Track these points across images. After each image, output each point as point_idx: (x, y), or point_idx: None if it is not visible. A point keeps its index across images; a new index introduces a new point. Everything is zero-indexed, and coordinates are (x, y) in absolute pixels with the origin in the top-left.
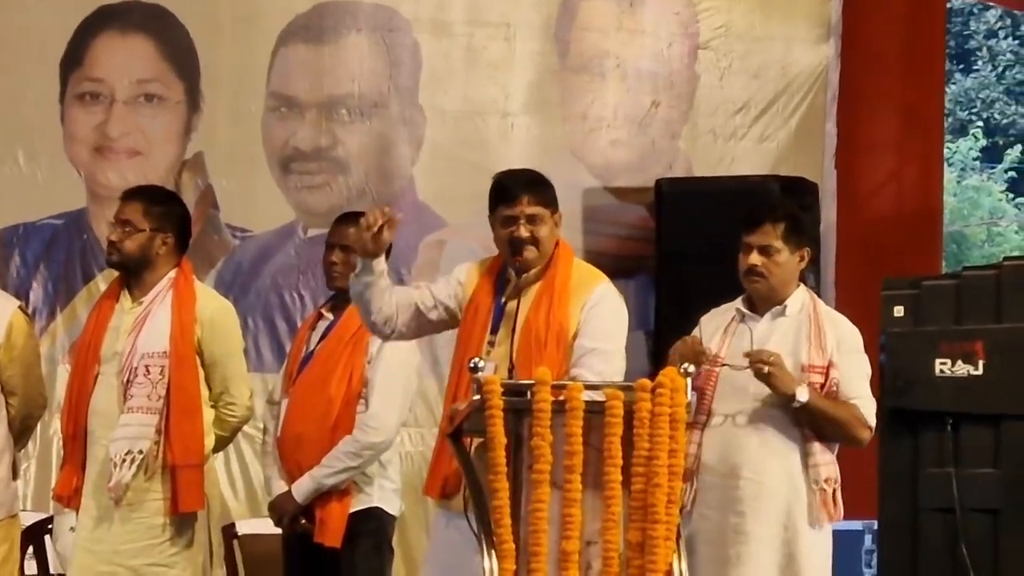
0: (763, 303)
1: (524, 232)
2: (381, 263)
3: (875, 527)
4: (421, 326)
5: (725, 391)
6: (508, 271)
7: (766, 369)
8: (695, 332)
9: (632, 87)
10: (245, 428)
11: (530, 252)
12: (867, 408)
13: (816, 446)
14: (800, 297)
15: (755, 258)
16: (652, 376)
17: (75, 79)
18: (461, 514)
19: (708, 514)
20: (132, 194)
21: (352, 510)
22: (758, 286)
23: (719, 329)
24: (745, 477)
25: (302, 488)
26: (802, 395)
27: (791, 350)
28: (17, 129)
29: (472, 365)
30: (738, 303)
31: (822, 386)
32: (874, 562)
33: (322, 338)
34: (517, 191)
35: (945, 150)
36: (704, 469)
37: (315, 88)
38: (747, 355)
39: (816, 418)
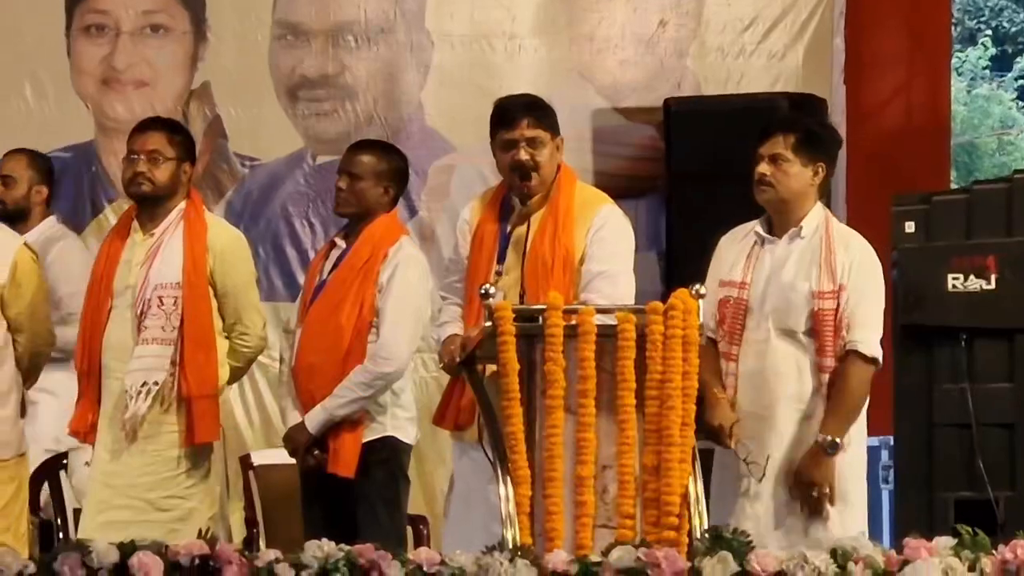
0: (780, 222)
1: (524, 155)
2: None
3: (891, 443)
4: None
5: (752, 322)
6: (512, 198)
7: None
8: (714, 256)
9: (639, 6)
10: (259, 358)
11: (533, 180)
12: (871, 338)
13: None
14: (816, 217)
15: (764, 167)
16: (665, 297)
17: (80, 11)
18: (475, 444)
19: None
20: (151, 124)
21: (365, 440)
22: (767, 195)
23: (741, 255)
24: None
25: (314, 419)
26: (831, 449)
27: (804, 275)
28: (23, 63)
29: (483, 291)
30: (757, 226)
31: (835, 311)
32: (891, 477)
33: (334, 267)
34: (516, 114)
35: (954, 60)
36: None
37: (321, 15)
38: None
39: (848, 424)
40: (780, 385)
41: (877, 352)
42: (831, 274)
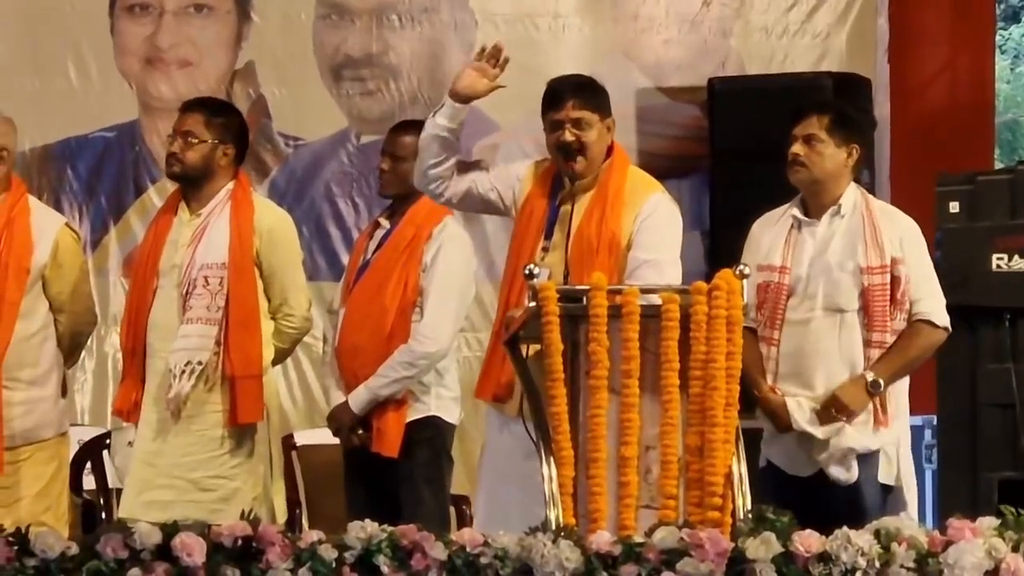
0: (816, 203)
1: (569, 136)
2: (463, 112)
3: (935, 422)
4: (472, 201)
5: (794, 303)
6: (563, 177)
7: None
8: (748, 242)
9: None
10: (304, 338)
11: (579, 164)
12: (938, 308)
13: (875, 353)
14: (852, 195)
15: (798, 147)
16: (709, 276)
17: None
18: (515, 418)
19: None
20: (192, 105)
21: (409, 419)
22: (800, 176)
23: (778, 240)
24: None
25: (358, 398)
26: (875, 387)
27: (850, 252)
28: (67, 42)
29: (528, 271)
30: (792, 209)
31: (885, 287)
32: (935, 457)
33: (378, 247)
34: (563, 95)
35: (998, 37)
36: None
37: None
38: (820, 415)
39: (898, 377)
40: (822, 364)
41: (947, 321)
42: (879, 249)
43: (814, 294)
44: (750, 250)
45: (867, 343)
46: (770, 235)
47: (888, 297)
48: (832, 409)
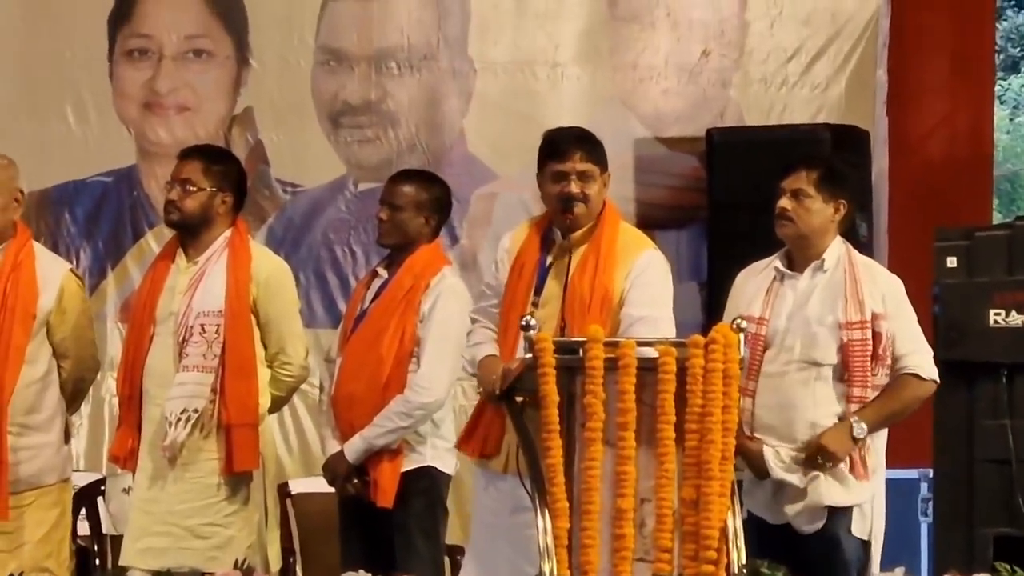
0: (800, 257)
1: (575, 188)
2: None
3: (931, 476)
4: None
5: (771, 355)
6: (554, 231)
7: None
8: (732, 292)
9: (682, 36)
10: (302, 385)
11: (580, 208)
12: (925, 361)
13: (853, 409)
14: (837, 250)
15: (785, 202)
16: (706, 327)
17: (123, 35)
18: (500, 475)
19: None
20: (190, 152)
21: (404, 469)
22: (786, 230)
23: (760, 291)
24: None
25: (353, 448)
26: (859, 432)
27: (830, 307)
28: (66, 86)
29: (524, 323)
30: (776, 261)
31: (866, 342)
32: (931, 510)
33: (376, 297)
34: (569, 147)
35: (997, 87)
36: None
37: (364, 41)
38: (803, 461)
39: (882, 426)
40: (799, 416)
41: (935, 374)
42: (859, 304)
43: (791, 347)
44: (733, 300)
45: (848, 398)
46: (752, 286)
47: (868, 353)
48: (817, 456)
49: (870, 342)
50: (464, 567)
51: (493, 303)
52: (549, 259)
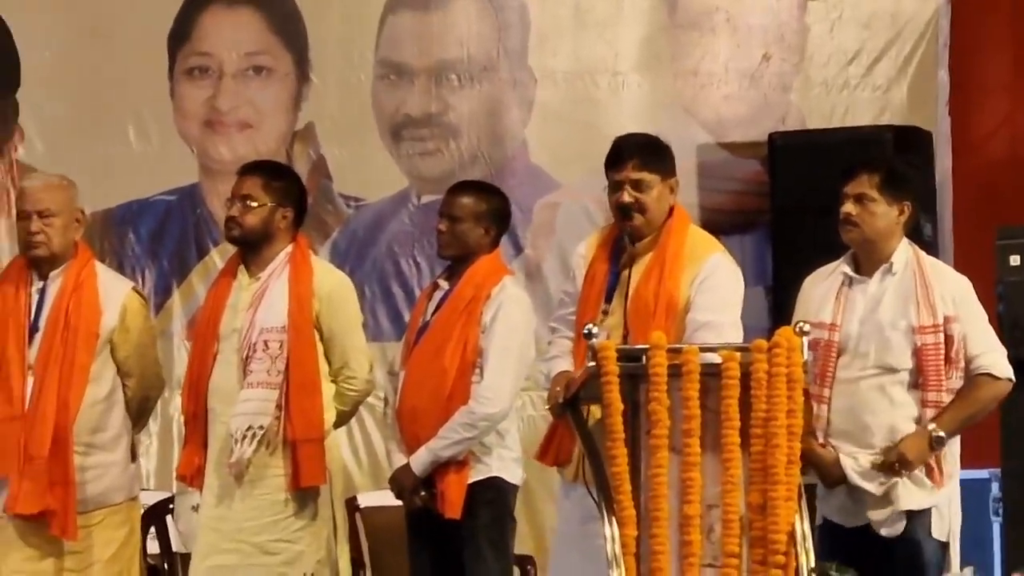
0: (867, 261)
1: (627, 197)
2: None
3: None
4: None
5: (844, 361)
6: (624, 238)
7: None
8: (799, 298)
9: (742, 41)
10: (368, 398)
11: (636, 220)
12: (999, 360)
13: (929, 413)
14: (904, 253)
15: (849, 207)
16: (772, 332)
17: (183, 54)
18: (571, 484)
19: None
20: (250, 169)
21: (471, 481)
22: (852, 235)
23: (829, 296)
24: (867, 445)
25: (419, 460)
26: (939, 439)
27: (902, 312)
28: (127, 106)
29: (586, 331)
30: (843, 266)
31: (939, 346)
32: (1001, 510)
33: (437, 308)
34: (623, 155)
35: None
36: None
37: (424, 54)
38: (880, 467)
39: (961, 429)
40: (875, 422)
41: (1009, 372)
42: (931, 308)
43: (866, 353)
44: (801, 307)
45: (923, 403)
46: (820, 292)
47: (942, 356)
48: (895, 463)
49: (943, 345)
50: (549, 573)
51: (571, 311)
52: (619, 267)
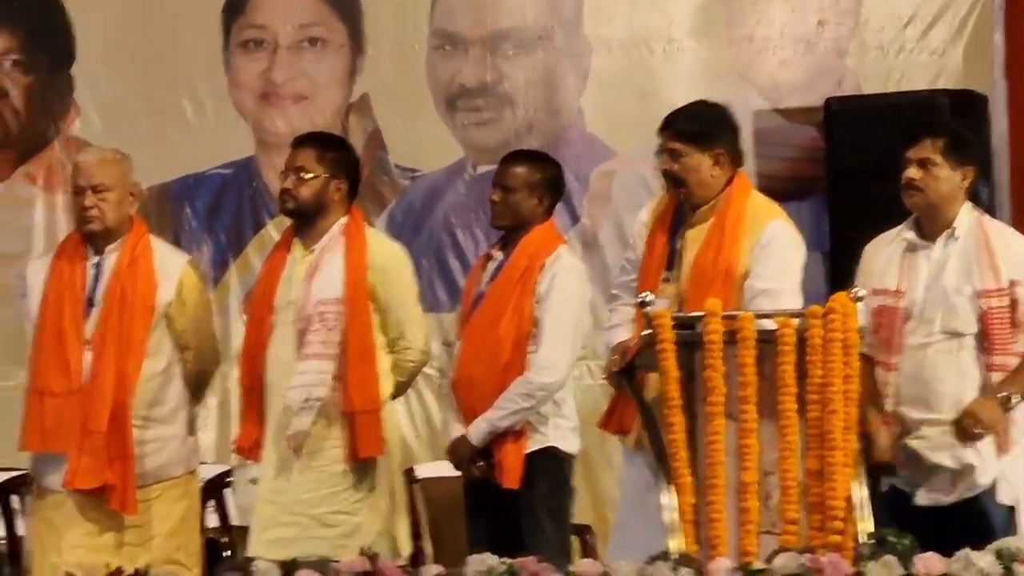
0: (930, 226)
1: (665, 165)
2: None
3: None
4: None
5: (911, 327)
6: (685, 206)
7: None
8: (861, 264)
9: (797, 6)
10: (425, 369)
11: (679, 193)
12: None
13: (995, 377)
14: (967, 218)
15: (913, 171)
16: (830, 298)
17: (237, 27)
18: (633, 451)
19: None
20: (304, 140)
21: (528, 450)
22: (915, 200)
23: (892, 262)
24: (937, 411)
25: (477, 430)
26: (1010, 402)
27: (966, 276)
28: (182, 80)
29: (641, 300)
30: (906, 231)
31: (1004, 309)
32: None
33: (491, 279)
34: (665, 123)
35: None
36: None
37: (478, 24)
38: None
39: None
40: (944, 387)
41: None
42: (995, 272)
43: (932, 319)
44: (863, 273)
45: (989, 367)
46: (883, 258)
47: (1008, 320)
48: (969, 427)
49: (1008, 309)
50: (611, 540)
51: (632, 278)
52: (679, 235)
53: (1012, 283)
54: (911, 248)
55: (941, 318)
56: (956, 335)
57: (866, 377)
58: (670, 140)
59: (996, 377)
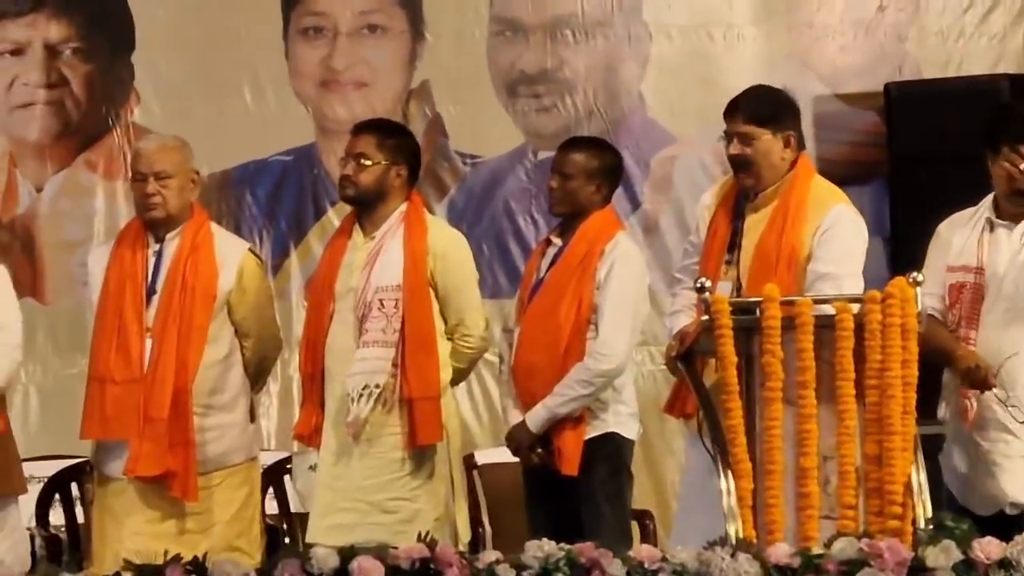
0: (1012, 210)
1: (734, 150)
2: None
3: None
4: None
5: (988, 304)
6: (748, 191)
7: None
8: (934, 242)
9: None
10: (486, 355)
11: (745, 179)
12: None
13: None
14: None
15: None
16: None
17: (297, 14)
18: (696, 435)
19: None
20: (364, 127)
21: (587, 437)
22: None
23: (971, 240)
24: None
25: (536, 417)
26: None
27: None
28: (242, 67)
29: (699, 285)
30: (984, 210)
31: None
32: None
33: (551, 265)
34: (733, 107)
35: None
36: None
37: (539, 10)
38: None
39: None
40: (1019, 362)
41: None
42: None
43: (1010, 295)
44: (938, 250)
45: None
46: (961, 236)
47: None
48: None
49: None
50: (675, 523)
51: (695, 260)
52: (741, 219)
53: None
54: (990, 227)
55: (1021, 294)
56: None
57: (937, 327)
58: (743, 123)
59: None
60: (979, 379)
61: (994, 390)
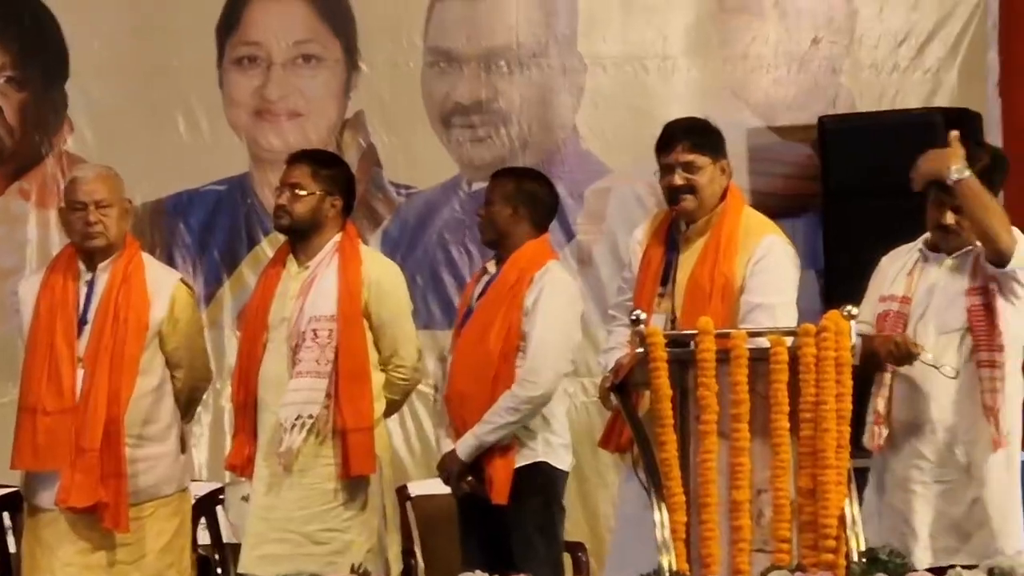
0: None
1: (678, 180)
2: None
3: None
4: None
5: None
6: (679, 222)
7: None
8: (875, 274)
9: (791, 24)
10: (419, 387)
11: (687, 202)
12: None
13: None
14: None
15: (949, 217)
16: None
17: (232, 44)
18: (635, 468)
19: (894, 461)
20: (299, 157)
21: (517, 465)
22: (955, 243)
23: (902, 271)
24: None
25: (465, 445)
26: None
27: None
28: (176, 96)
29: (634, 317)
30: (920, 242)
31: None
32: None
33: (482, 293)
34: (673, 138)
35: None
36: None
37: (473, 41)
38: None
39: (967, 203)
40: (935, 388)
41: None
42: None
43: (929, 320)
44: (876, 282)
45: (978, 363)
46: (895, 268)
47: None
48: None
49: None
50: (609, 557)
51: (629, 297)
52: (674, 251)
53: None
54: (923, 259)
55: (937, 316)
56: (947, 332)
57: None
58: (687, 152)
59: (985, 372)
60: (903, 352)
61: (922, 355)
